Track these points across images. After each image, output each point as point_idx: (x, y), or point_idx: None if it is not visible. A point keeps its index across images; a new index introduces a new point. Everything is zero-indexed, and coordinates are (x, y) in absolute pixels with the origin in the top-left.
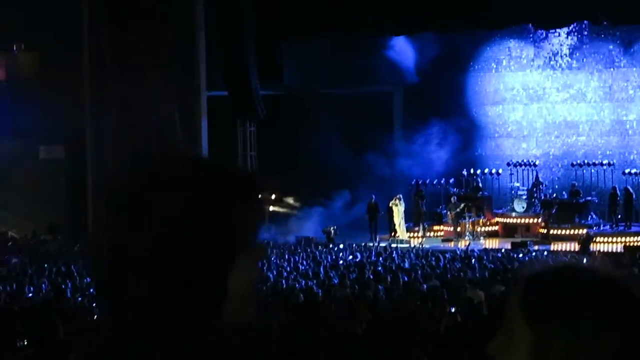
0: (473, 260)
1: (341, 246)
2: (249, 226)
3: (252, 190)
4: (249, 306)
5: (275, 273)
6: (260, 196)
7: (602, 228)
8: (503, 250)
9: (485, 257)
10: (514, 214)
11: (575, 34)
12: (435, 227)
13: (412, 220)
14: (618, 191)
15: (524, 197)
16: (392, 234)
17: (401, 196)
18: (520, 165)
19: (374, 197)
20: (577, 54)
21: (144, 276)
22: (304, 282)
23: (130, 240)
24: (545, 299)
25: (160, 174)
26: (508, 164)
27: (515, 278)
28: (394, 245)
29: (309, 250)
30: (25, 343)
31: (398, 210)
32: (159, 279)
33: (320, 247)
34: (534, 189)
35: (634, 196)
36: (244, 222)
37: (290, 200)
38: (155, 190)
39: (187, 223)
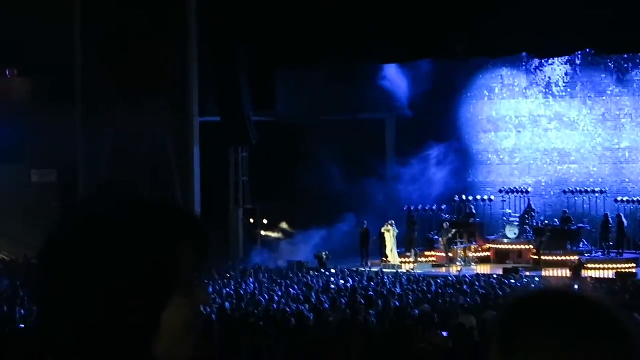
0: (465, 286)
1: (333, 271)
2: (187, 266)
3: (194, 231)
4: (185, 345)
5: (267, 297)
6: (204, 239)
7: (593, 255)
8: (495, 276)
9: (477, 283)
10: (506, 240)
11: (568, 62)
12: (427, 253)
13: (404, 245)
14: (610, 218)
15: (516, 223)
16: (384, 259)
17: (393, 222)
18: (513, 192)
19: (366, 222)
20: (570, 82)
21: (77, 308)
22: (295, 306)
23: (65, 273)
24: (515, 331)
25: (102, 212)
26: (500, 191)
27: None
28: (385, 270)
29: (300, 274)
30: None
31: (390, 236)
32: (92, 312)
33: (312, 271)
34: (526, 216)
35: (625, 223)
36: (181, 261)
37: (282, 226)
38: (92, 229)
39: (120, 259)
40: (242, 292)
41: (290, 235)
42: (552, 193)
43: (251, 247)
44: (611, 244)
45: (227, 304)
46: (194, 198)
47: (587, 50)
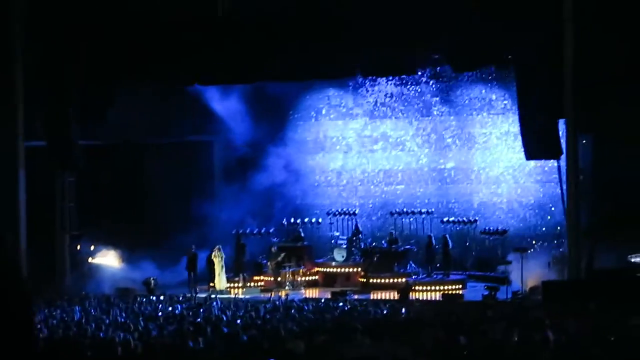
0: (293, 310)
1: (161, 297)
2: None
3: None
4: None
5: (93, 325)
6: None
7: (420, 276)
8: (323, 300)
9: (305, 307)
10: (334, 263)
11: (394, 82)
12: (256, 277)
13: (233, 270)
14: (433, 239)
15: (344, 246)
16: (212, 284)
17: (220, 247)
18: (340, 214)
19: (194, 247)
20: (396, 103)
21: None
22: (122, 334)
23: None
24: None
25: None
26: (328, 213)
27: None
28: (213, 296)
29: (128, 301)
30: None
31: (218, 261)
32: None
33: (139, 298)
34: (354, 238)
35: (450, 245)
36: None
37: (110, 251)
38: None
39: None
40: (68, 320)
41: (118, 261)
42: (379, 214)
43: (78, 274)
44: (438, 265)
45: (53, 332)
46: (20, 224)
47: (416, 70)
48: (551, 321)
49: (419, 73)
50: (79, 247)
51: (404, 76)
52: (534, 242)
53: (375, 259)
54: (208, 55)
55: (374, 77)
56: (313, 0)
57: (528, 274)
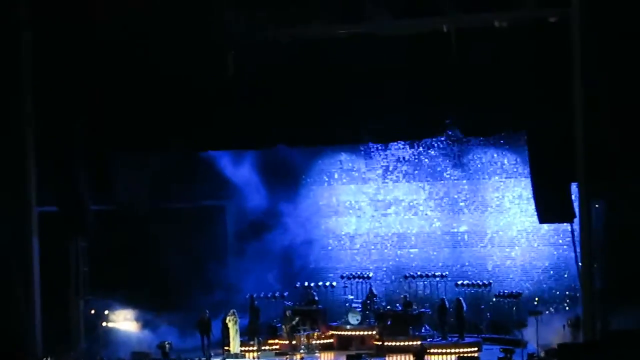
0: None
1: None
2: None
3: None
4: None
5: None
6: None
7: (435, 339)
8: None
9: None
10: (348, 327)
11: (407, 146)
12: (270, 341)
13: (247, 334)
14: (447, 302)
15: (358, 309)
16: (226, 348)
17: (235, 310)
18: (354, 277)
19: (207, 312)
20: (409, 167)
21: None
22: None
23: None
24: None
25: None
26: (342, 277)
27: None
28: (228, 359)
29: None
30: None
31: (232, 325)
32: None
33: None
34: (368, 301)
35: (464, 308)
36: None
37: (124, 316)
38: None
39: None
40: None
41: (132, 325)
42: (393, 278)
43: (93, 338)
44: (446, 328)
45: None
46: (34, 289)
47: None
48: None
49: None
50: (92, 311)
51: (416, 141)
52: (548, 304)
53: (389, 322)
54: (220, 121)
55: (385, 143)
56: (320, 65)
57: (543, 336)
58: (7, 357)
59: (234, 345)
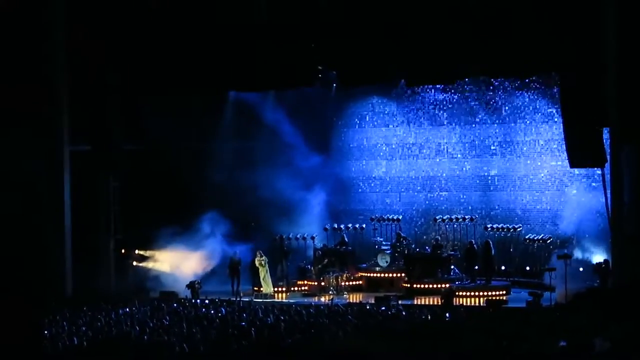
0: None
1: (206, 301)
2: None
3: None
4: None
5: (138, 329)
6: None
7: (464, 282)
8: (367, 305)
9: (349, 312)
10: (377, 269)
11: (438, 90)
12: (300, 282)
13: (276, 275)
14: (475, 246)
15: (388, 251)
16: (256, 288)
17: (261, 251)
18: (384, 220)
19: (237, 252)
20: (439, 110)
21: None
22: (166, 337)
23: None
24: None
25: None
26: (371, 219)
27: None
28: (257, 300)
29: (173, 305)
30: None
31: (262, 265)
32: None
33: (184, 301)
34: (397, 244)
35: (493, 251)
36: None
37: (155, 255)
38: None
39: None
40: (112, 323)
41: (162, 264)
42: (422, 220)
43: (122, 278)
44: (476, 268)
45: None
46: (65, 227)
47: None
48: (595, 328)
49: (465, 80)
50: (123, 250)
51: (447, 85)
52: (577, 249)
53: (416, 265)
54: (249, 62)
55: (417, 87)
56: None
57: (572, 280)
58: (38, 295)
59: (267, 286)
